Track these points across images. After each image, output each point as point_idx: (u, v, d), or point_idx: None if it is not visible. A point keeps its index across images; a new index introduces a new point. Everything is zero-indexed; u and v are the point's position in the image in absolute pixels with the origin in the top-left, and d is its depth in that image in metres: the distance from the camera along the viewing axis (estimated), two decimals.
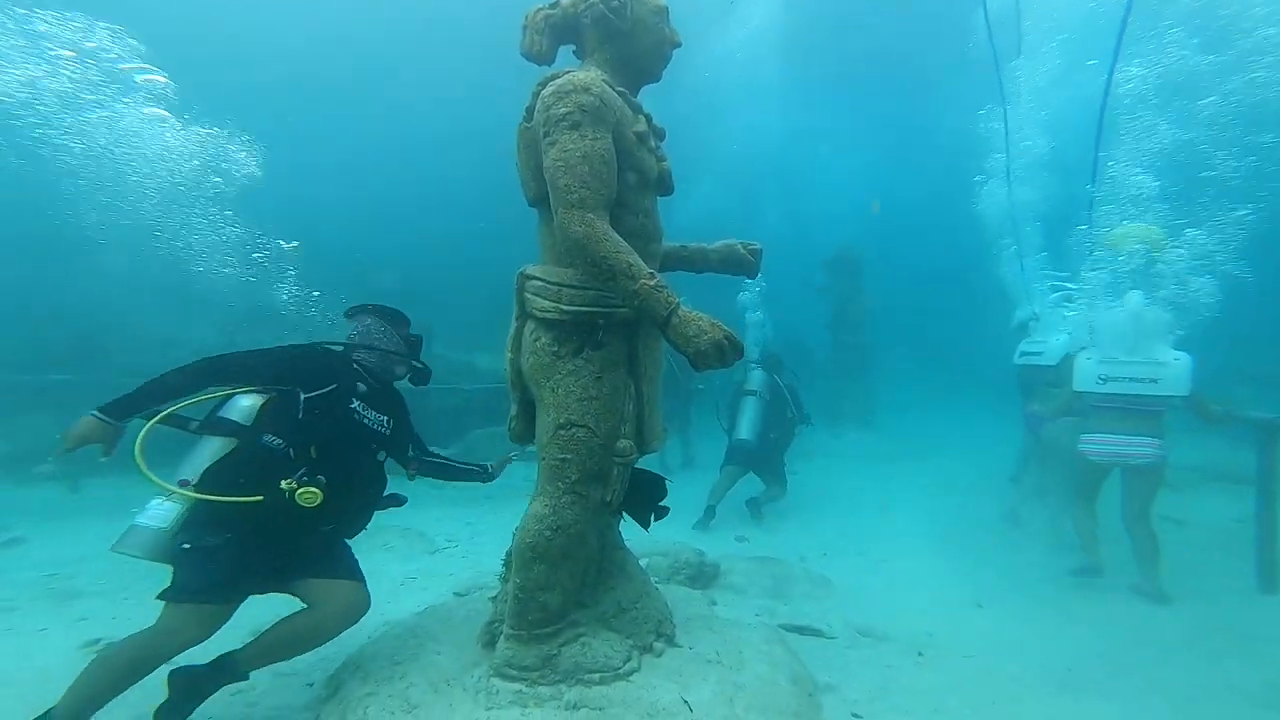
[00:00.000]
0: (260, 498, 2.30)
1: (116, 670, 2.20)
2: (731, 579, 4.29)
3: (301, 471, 2.38)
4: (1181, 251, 5.21)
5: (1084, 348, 4.76)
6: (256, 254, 9.96)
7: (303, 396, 2.48)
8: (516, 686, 2.27)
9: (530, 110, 2.29)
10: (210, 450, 2.42)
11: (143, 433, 2.35)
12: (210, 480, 2.35)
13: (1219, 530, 5.80)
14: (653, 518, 2.55)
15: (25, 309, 9.82)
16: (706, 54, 14.23)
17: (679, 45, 2.54)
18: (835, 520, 6.52)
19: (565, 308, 2.20)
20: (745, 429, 6.59)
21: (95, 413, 2.31)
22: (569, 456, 2.22)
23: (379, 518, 2.79)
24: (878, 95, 17.55)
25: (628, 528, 2.68)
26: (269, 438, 2.43)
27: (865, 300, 13.21)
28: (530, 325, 2.30)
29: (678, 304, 1.99)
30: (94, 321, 10.03)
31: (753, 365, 7.08)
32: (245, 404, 2.49)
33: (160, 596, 2.29)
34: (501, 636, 2.40)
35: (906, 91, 16.44)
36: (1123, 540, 4.62)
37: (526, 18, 2.44)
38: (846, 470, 8.84)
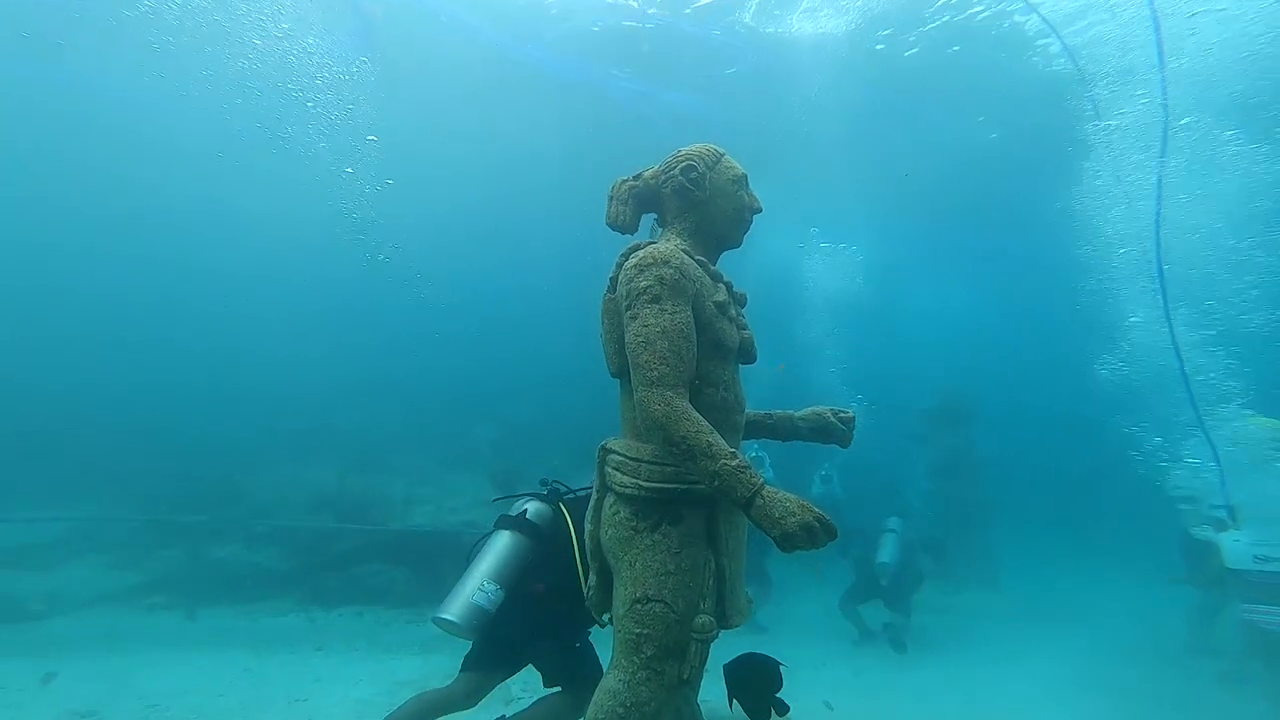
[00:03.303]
0: None
1: None
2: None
3: None
4: None
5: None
6: None
7: None
8: None
9: (614, 281, 2.38)
10: (510, 549, 2.97)
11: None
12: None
13: None
14: (772, 712, 2.32)
15: (173, 450, 11.14)
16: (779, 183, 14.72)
17: (759, 211, 2.59)
18: (955, 688, 5.74)
19: (644, 484, 2.18)
20: (886, 554, 7.10)
21: None
22: (645, 631, 2.13)
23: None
24: (977, 225, 17.04)
25: (708, 691, 2.49)
26: None
27: (975, 451, 12.38)
28: (610, 499, 2.30)
29: (762, 485, 1.94)
30: (231, 466, 11.14)
31: (890, 514, 7.69)
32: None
33: (565, 687, 2.90)
34: None
35: (1012, 221, 15.97)
36: None
37: (612, 189, 2.59)
38: (965, 629, 7.83)
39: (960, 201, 15.58)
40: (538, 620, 2.88)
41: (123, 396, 15.17)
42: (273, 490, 10.53)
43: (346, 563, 8.64)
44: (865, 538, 7.47)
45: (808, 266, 15.13)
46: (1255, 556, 4.65)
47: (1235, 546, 4.76)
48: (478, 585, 2.84)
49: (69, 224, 17.22)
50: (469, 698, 2.97)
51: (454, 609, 2.79)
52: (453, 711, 2.97)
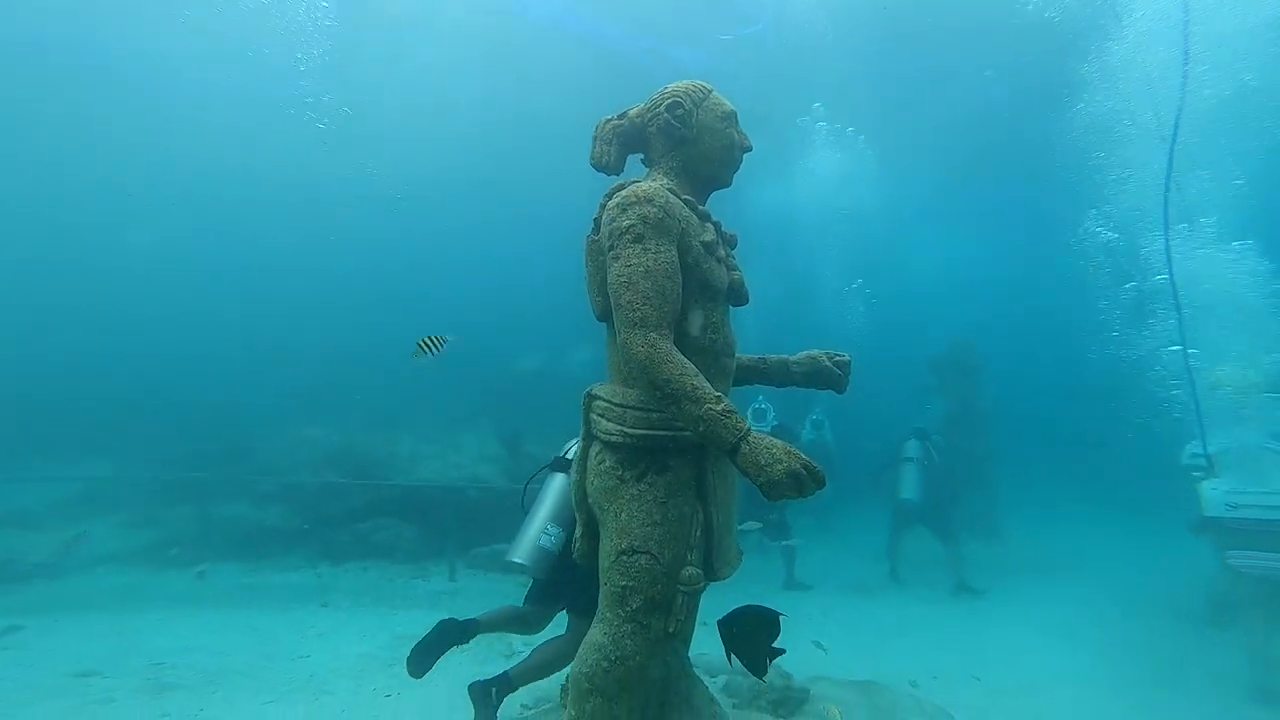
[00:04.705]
0: None
1: (555, 664, 3.19)
2: (822, 707, 3.79)
3: None
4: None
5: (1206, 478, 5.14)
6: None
7: None
8: None
9: (597, 222, 2.30)
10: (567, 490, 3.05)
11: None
12: None
13: None
14: (768, 662, 2.27)
15: (183, 409, 11.22)
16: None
17: (749, 149, 2.50)
18: (952, 639, 5.77)
19: (629, 431, 2.12)
20: (908, 489, 7.32)
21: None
22: (630, 584, 2.09)
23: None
24: (990, 176, 16.64)
25: (707, 644, 2.44)
26: None
27: (982, 403, 12.22)
28: (596, 447, 2.24)
29: (747, 430, 1.88)
30: (240, 424, 11.23)
31: (907, 436, 7.76)
32: None
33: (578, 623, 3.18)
34: None
35: (1023, 173, 15.58)
36: None
37: (596, 129, 2.49)
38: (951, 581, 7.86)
39: (967, 153, 15.23)
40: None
41: (133, 357, 15.27)
42: (281, 448, 10.62)
43: (353, 519, 8.75)
44: (892, 468, 7.68)
45: (810, 152, 14.60)
46: (1227, 504, 4.83)
47: (1211, 494, 4.94)
48: (542, 529, 3.06)
49: (72, 186, 17.04)
50: (532, 625, 3.43)
51: (522, 553, 3.07)
52: (522, 632, 3.47)
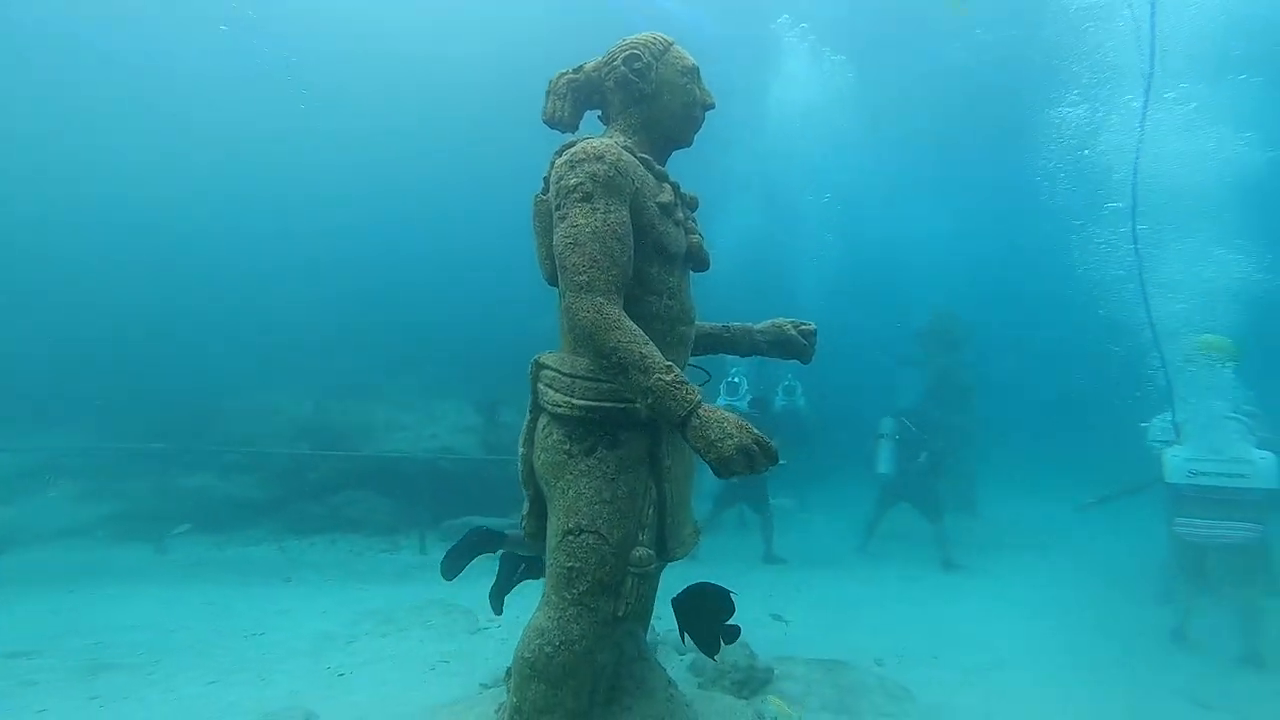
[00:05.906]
0: None
1: None
2: (786, 686, 3.73)
3: None
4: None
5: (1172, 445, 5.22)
6: None
7: None
8: None
9: (547, 181, 2.19)
10: None
11: None
12: None
13: None
14: (721, 642, 2.23)
15: (144, 381, 10.84)
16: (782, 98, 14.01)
17: (711, 107, 2.39)
18: (922, 616, 5.73)
19: (578, 402, 2.01)
20: (882, 464, 7.54)
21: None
22: (577, 565, 2.00)
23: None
24: (969, 144, 16.39)
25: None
26: None
27: (964, 376, 12.17)
28: (543, 419, 2.14)
29: (698, 402, 1.76)
30: (206, 393, 10.87)
31: (884, 415, 7.88)
32: None
33: None
34: None
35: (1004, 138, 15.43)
36: None
37: (550, 83, 2.38)
38: (935, 553, 7.81)
39: (945, 124, 15.11)
40: None
41: (93, 322, 14.74)
42: (248, 416, 10.31)
43: (323, 491, 8.55)
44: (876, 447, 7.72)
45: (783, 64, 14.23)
46: (1189, 471, 4.87)
47: (1174, 461, 4.96)
48: None
49: (35, 148, 16.25)
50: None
51: None
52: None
